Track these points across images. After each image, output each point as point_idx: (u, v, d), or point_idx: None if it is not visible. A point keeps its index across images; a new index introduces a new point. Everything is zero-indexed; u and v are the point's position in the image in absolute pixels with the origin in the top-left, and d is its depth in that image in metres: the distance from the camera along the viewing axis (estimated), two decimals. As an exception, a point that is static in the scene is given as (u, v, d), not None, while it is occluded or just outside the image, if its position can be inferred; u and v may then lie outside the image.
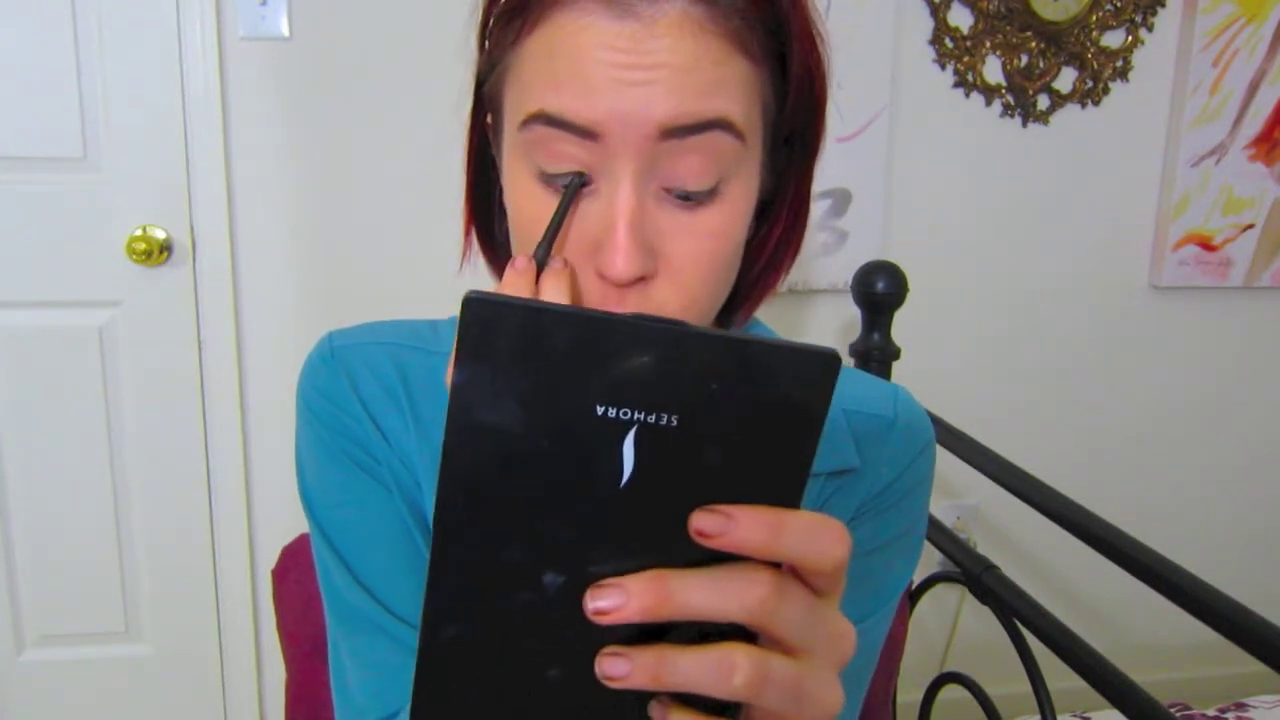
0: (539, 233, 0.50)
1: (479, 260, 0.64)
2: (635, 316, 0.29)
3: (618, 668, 0.31)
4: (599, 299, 0.50)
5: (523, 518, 0.30)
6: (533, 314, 0.28)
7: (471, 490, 0.30)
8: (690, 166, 0.48)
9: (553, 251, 0.49)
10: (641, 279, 0.49)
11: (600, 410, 0.29)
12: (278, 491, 1.73)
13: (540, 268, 0.48)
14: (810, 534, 0.31)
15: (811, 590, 0.32)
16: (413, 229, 1.65)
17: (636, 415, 0.29)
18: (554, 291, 0.48)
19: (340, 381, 0.62)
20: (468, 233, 0.63)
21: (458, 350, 0.28)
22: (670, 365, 0.29)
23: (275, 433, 1.70)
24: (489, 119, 0.57)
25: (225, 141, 1.58)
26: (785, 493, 0.31)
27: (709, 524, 0.30)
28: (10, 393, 1.63)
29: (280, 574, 0.92)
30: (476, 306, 0.28)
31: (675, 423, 0.30)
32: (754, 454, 0.31)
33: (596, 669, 0.31)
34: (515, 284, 0.47)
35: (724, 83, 0.48)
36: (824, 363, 0.30)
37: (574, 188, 0.49)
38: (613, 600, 0.30)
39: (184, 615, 1.75)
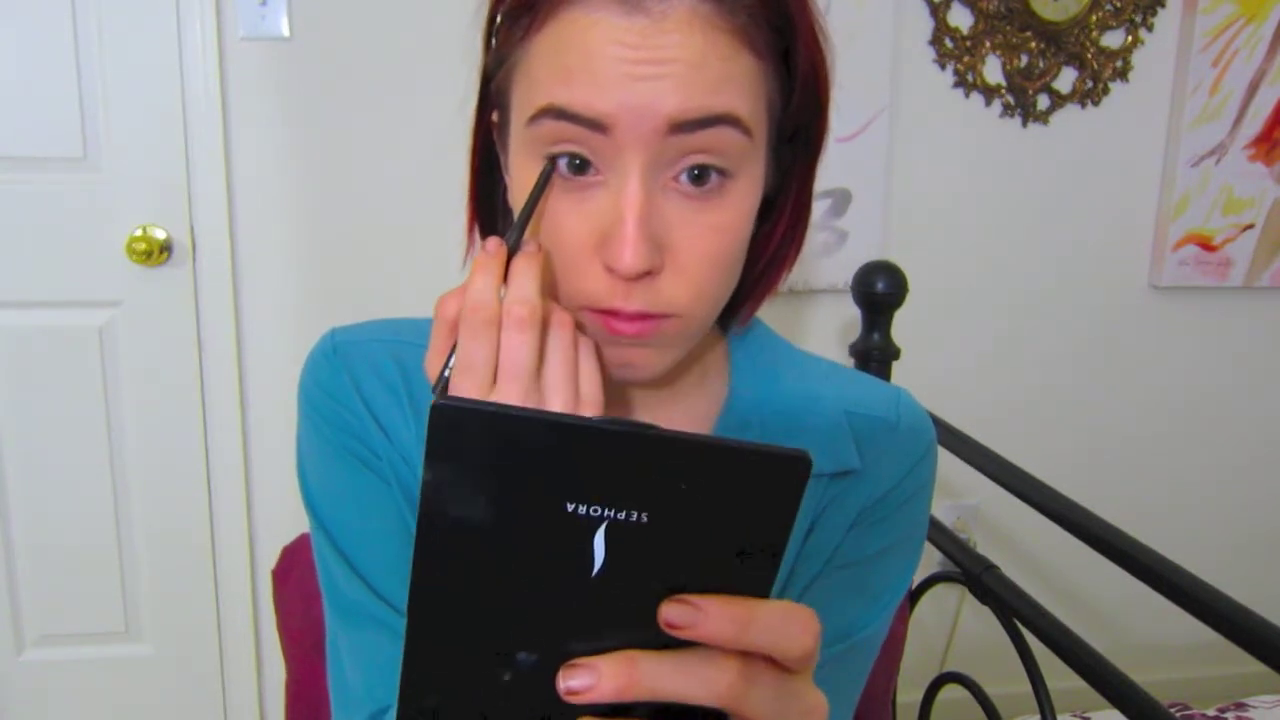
0: (552, 229, 0.50)
1: None
2: (604, 421, 0.29)
3: None
4: (606, 292, 0.50)
5: (495, 602, 0.31)
6: (500, 420, 0.29)
7: (443, 578, 0.31)
8: (698, 161, 0.49)
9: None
10: (648, 273, 0.49)
11: (570, 507, 0.30)
12: (278, 491, 1.73)
13: (512, 252, 0.49)
14: (778, 625, 0.31)
15: (781, 669, 0.33)
16: (413, 229, 1.65)
17: (606, 512, 0.30)
18: (524, 275, 0.48)
19: (342, 378, 0.62)
20: (471, 231, 0.63)
21: (428, 451, 0.29)
22: (639, 467, 0.29)
23: (275, 433, 1.70)
24: (494, 117, 0.57)
25: (225, 141, 1.58)
26: (755, 583, 0.32)
27: (678, 615, 0.31)
28: (10, 393, 1.63)
29: (280, 574, 0.92)
30: (444, 412, 0.29)
31: (645, 519, 0.30)
32: (724, 548, 0.31)
33: None
34: (486, 266, 0.48)
35: (732, 78, 0.48)
36: (794, 466, 0.30)
37: (547, 174, 0.49)
38: (584, 680, 0.31)
39: (184, 615, 1.75)
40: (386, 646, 0.59)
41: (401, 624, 0.59)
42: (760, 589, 0.32)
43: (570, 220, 0.50)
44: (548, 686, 0.32)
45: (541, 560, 0.30)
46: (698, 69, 0.47)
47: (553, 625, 0.31)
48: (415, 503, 0.61)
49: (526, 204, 0.49)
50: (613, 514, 0.30)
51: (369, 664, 0.60)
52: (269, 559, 1.70)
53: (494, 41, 0.54)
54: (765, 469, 0.30)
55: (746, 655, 0.32)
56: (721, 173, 0.50)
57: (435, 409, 0.28)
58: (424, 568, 0.30)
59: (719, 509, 0.30)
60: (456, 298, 0.48)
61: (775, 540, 0.31)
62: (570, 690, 0.31)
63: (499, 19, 0.53)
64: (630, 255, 0.48)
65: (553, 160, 0.49)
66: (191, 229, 1.60)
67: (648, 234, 0.48)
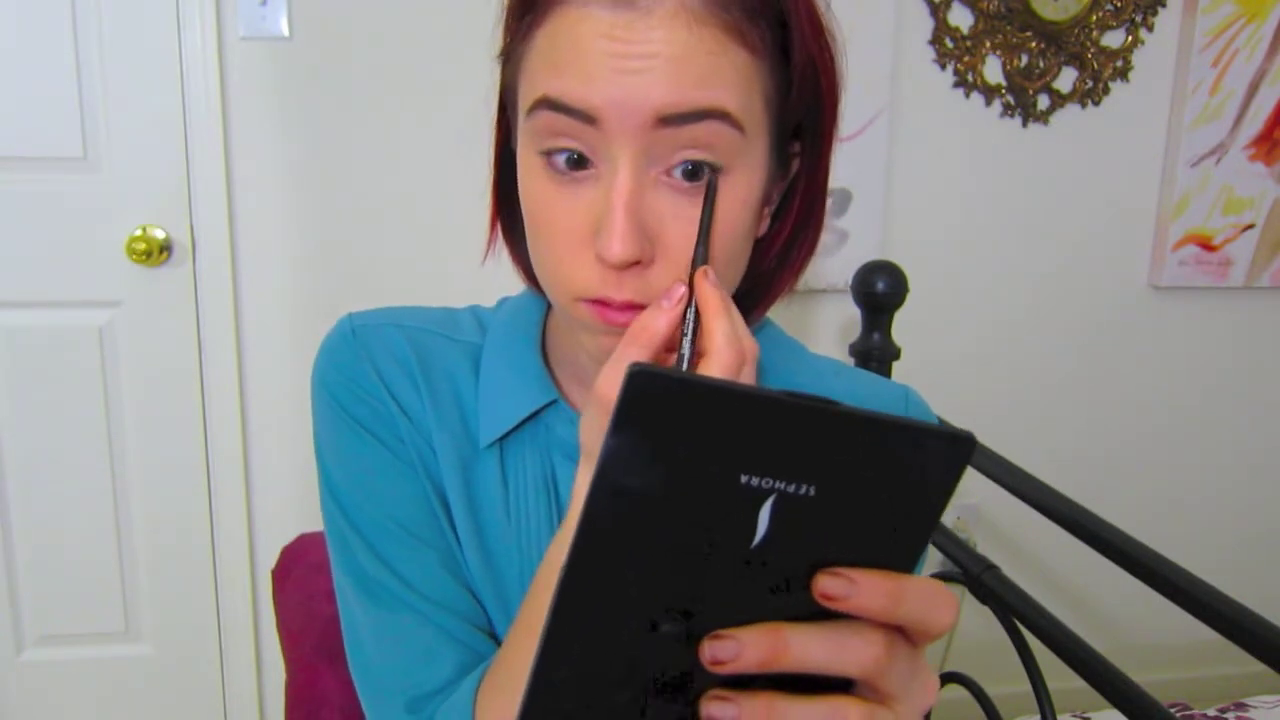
0: (549, 220, 0.52)
1: (503, 254, 0.65)
2: (791, 394, 0.30)
3: (726, 712, 0.32)
4: (598, 283, 0.51)
5: (649, 573, 0.31)
6: (694, 389, 0.29)
7: (606, 546, 0.31)
8: (688, 155, 0.49)
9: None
10: (637, 263, 0.50)
11: (745, 479, 0.30)
12: (278, 492, 1.72)
13: (697, 264, 0.49)
14: (925, 602, 0.32)
15: (912, 644, 0.33)
16: (412, 228, 1.65)
17: (778, 484, 0.30)
18: (736, 312, 0.49)
19: (363, 362, 0.63)
20: (493, 226, 0.63)
21: (615, 417, 0.29)
22: (816, 440, 0.30)
23: (275, 433, 1.70)
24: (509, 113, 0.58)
25: (225, 141, 1.58)
26: (905, 558, 0.32)
27: (834, 587, 0.31)
28: (10, 393, 1.63)
29: (280, 574, 0.92)
30: (641, 380, 0.28)
31: (812, 492, 0.31)
32: (881, 522, 0.32)
33: (703, 712, 0.32)
34: (729, 306, 0.48)
35: (719, 72, 0.48)
36: (958, 444, 0.31)
37: (713, 185, 0.50)
38: (730, 651, 0.31)
39: (184, 615, 1.75)
40: (418, 630, 0.60)
41: (431, 609, 0.60)
42: (907, 564, 0.32)
43: (564, 211, 0.51)
44: (683, 657, 0.32)
45: (704, 531, 0.31)
46: (682, 63, 0.47)
47: (702, 595, 0.32)
48: (439, 486, 0.62)
49: (702, 220, 0.50)
50: (783, 486, 0.30)
51: (401, 649, 0.60)
52: (269, 559, 1.71)
53: (506, 39, 0.55)
54: (934, 447, 0.31)
55: (889, 628, 0.32)
56: (713, 167, 0.50)
57: (632, 375, 0.28)
58: (585, 540, 0.30)
59: (882, 484, 0.31)
60: (665, 317, 0.48)
61: (929, 516, 0.32)
62: (716, 660, 0.31)
63: (508, 17, 0.54)
64: (618, 245, 0.48)
65: (715, 171, 0.50)
66: (191, 229, 1.60)
67: (636, 224, 0.49)
